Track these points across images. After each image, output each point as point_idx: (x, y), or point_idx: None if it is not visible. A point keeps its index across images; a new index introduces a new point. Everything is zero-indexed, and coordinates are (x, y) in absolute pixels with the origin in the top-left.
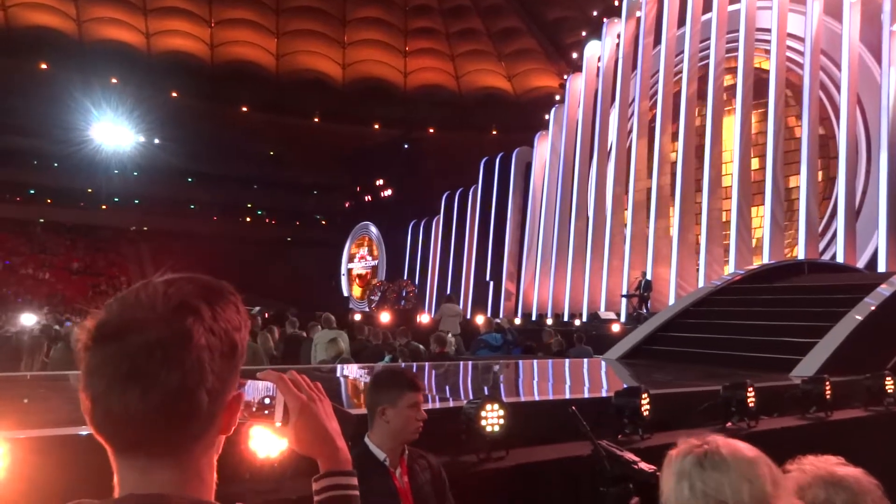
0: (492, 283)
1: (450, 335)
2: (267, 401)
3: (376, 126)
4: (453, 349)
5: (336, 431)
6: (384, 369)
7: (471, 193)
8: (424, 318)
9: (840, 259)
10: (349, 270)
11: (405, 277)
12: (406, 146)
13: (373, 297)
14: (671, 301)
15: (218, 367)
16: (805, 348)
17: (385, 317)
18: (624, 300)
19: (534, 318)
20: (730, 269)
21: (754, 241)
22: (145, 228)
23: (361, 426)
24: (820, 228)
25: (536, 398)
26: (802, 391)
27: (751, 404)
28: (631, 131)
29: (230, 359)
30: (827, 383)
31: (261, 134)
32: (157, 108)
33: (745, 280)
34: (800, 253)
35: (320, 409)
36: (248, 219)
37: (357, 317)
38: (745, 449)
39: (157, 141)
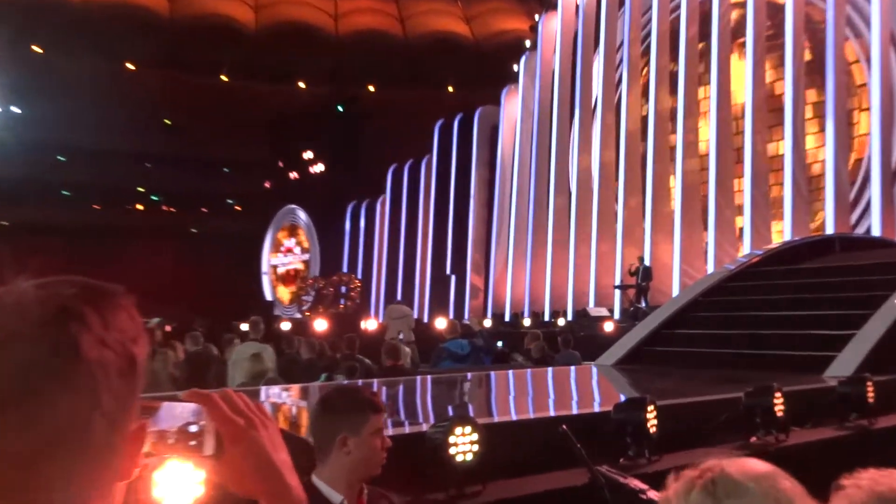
0: (454, 277)
1: (404, 344)
2: (191, 428)
3: (301, 84)
4: (409, 361)
5: (286, 464)
6: (336, 390)
7: (424, 166)
8: (371, 324)
9: (876, 232)
10: (273, 268)
11: (345, 271)
12: (340, 109)
13: (305, 299)
14: (675, 291)
15: (115, 386)
16: (840, 342)
17: (321, 324)
18: (618, 292)
19: (507, 318)
20: (745, 249)
21: (773, 215)
22: (5, 223)
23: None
24: (851, 196)
25: (517, 417)
26: (840, 394)
27: (779, 413)
28: (620, 83)
29: (129, 377)
30: (869, 384)
31: (154, 98)
32: (12, 67)
33: (764, 262)
34: (828, 227)
35: (264, 437)
36: (139, 206)
37: (285, 325)
38: (757, 464)
39: (14, 109)
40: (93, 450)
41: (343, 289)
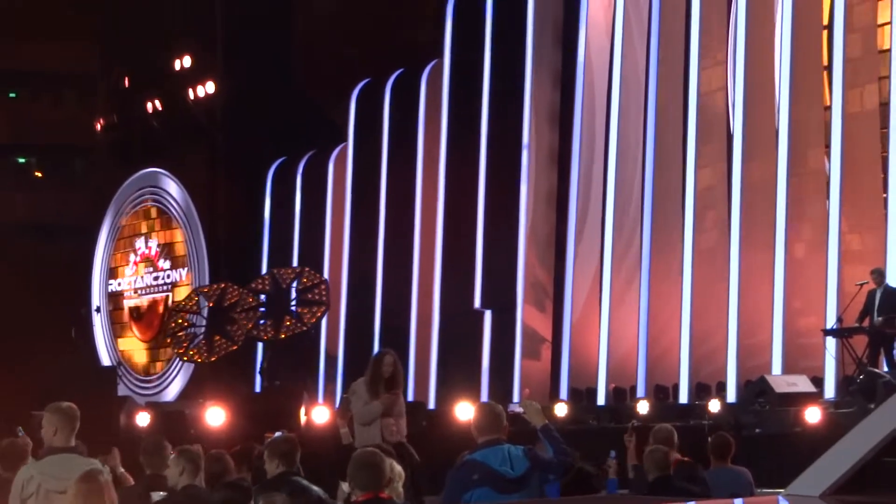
0: (490, 314)
1: (388, 461)
2: None
3: None
4: (399, 489)
5: None
6: None
7: (424, 82)
8: (320, 414)
9: None
10: (115, 297)
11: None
12: None
13: (187, 343)
14: None
15: None
16: None
17: (217, 415)
18: (831, 343)
19: (601, 396)
20: None
21: None
22: None
23: None
24: None
25: None
26: None
27: None
28: None
29: None
30: None
31: None
32: None
33: None
34: None
35: None
36: None
37: (142, 419)
38: None
39: None
40: None
41: (293, 293)
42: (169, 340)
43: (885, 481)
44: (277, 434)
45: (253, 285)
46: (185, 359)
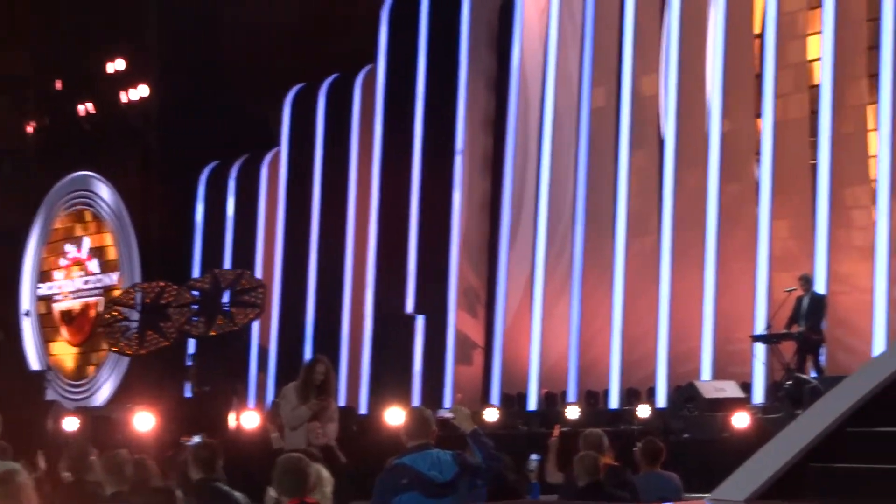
0: (423, 318)
1: (314, 466)
2: None
3: None
4: (328, 495)
5: None
6: None
7: (360, 84)
8: (249, 420)
9: None
10: (44, 301)
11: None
12: None
13: (125, 324)
14: (879, 346)
15: None
16: None
17: (145, 420)
18: (760, 349)
19: (533, 401)
20: None
21: None
22: None
23: None
24: None
25: None
26: None
27: None
28: None
29: None
30: None
31: None
32: None
33: None
34: None
35: None
36: None
37: (70, 422)
38: None
39: None
40: None
41: (226, 294)
42: (101, 331)
43: (810, 486)
44: (195, 439)
45: (192, 282)
46: (115, 349)
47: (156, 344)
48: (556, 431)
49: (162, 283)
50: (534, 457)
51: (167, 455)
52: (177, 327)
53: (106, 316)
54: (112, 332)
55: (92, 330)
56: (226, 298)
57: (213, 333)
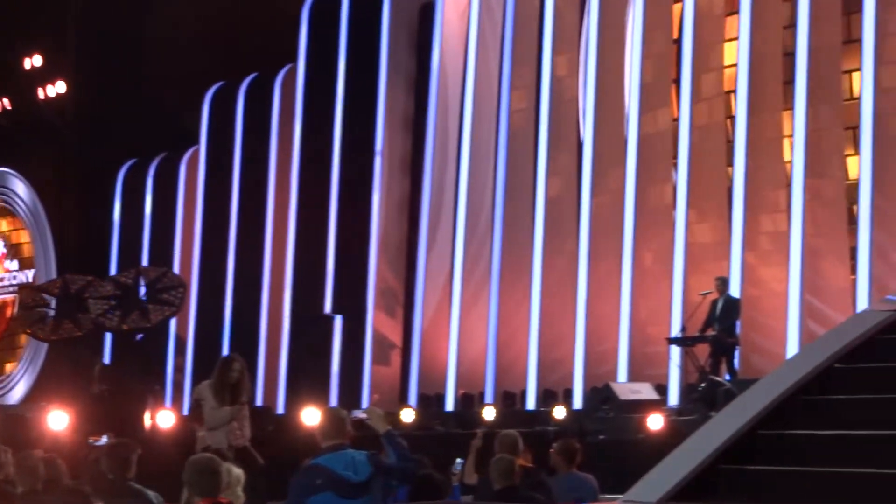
0: (340, 319)
1: (225, 466)
2: None
3: None
4: (239, 494)
5: None
6: None
7: (279, 83)
8: (165, 419)
9: None
10: None
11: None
12: None
13: (35, 319)
14: (792, 350)
15: None
16: None
17: (59, 418)
18: (675, 352)
19: (450, 401)
20: None
21: None
22: None
23: None
24: None
25: None
26: None
27: None
28: None
29: None
30: None
31: None
32: None
33: None
34: None
35: None
36: None
37: None
38: None
39: None
40: None
41: (143, 289)
42: (19, 314)
43: (722, 488)
44: (103, 439)
45: (115, 277)
46: (28, 332)
47: (69, 333)
48: (478, 434)
49: (90, 277)
50: (459, 461)
51: (80, 454)
52: (92, 319)
53: (28, 301)
54: (30, 315)
55: (7, 329)
56: (142, 294)
57: (125, 328)
